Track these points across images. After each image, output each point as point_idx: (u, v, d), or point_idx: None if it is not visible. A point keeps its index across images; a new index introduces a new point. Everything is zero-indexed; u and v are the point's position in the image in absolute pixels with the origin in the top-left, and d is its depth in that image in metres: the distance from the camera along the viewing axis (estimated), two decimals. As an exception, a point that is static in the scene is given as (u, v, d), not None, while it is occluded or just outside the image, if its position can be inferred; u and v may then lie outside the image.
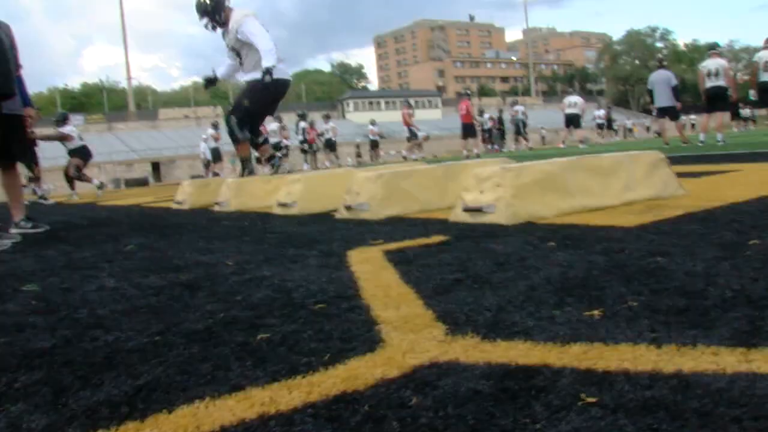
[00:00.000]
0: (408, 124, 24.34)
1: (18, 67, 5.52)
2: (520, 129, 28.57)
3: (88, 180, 14.40)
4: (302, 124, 27.16)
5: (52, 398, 1.33)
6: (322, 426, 1.09)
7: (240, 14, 7.31)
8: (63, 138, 13.55)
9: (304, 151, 27.63)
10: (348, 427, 1.08)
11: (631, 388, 1.13)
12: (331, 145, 27.68)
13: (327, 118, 28.25)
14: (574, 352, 1.33)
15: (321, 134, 27.52)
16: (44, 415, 1.25)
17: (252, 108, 7.51)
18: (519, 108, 28.71)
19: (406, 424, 1.07)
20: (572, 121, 22.34)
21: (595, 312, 1.61)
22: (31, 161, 13.67)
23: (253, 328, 1.74)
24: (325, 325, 1.71)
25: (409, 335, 1.56)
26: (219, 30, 7.52)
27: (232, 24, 7.31)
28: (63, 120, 14.03)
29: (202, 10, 7.38)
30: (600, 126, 32.84)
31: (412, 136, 24.67)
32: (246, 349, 1.56)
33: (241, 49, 7.44)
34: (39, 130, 13.05)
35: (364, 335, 1.60)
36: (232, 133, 7.60)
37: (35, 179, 14.15)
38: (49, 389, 1.39)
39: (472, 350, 1.40)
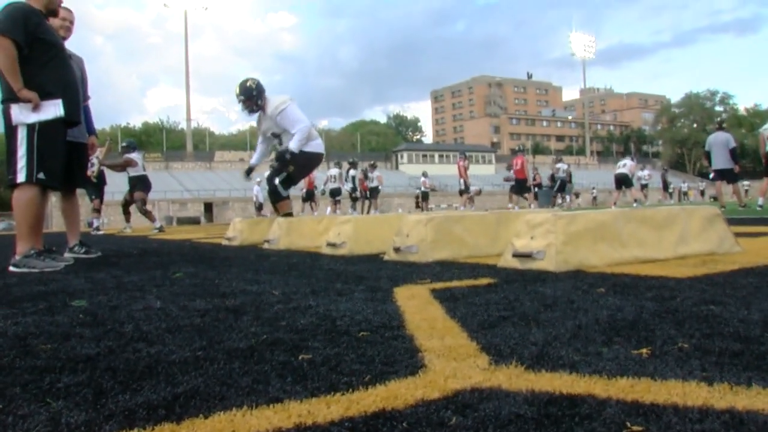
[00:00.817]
0: (462, 176, 24.35)
1: (86, 98, 5.74)
2: (559, 187, 27.54)
3: (152, 218, 14.63)
4: (352, 172, 27.48)
5: (93, 398, 1.34)
6: (359, 438, 1.08)
7: (278, 101, 7.77)
8: (127, 164, 13.90)
9: (354, 199, 27.86)
10: (385, 441, 1.06)
11: (680, 420, 1.10)
12: (374, 193, 27.72)
13: (373, 167, 28.30)
14: (620, 385, 1.30)
15: (367, 178, 27.61)
16: (83, 412, 1.25)
17: (295, 175, 8.00)
18: (561, 166, 27.70)
19: (444, 441, 1.05)
20: (622, 181, 22.58)
21: (644, 350, 1.57)
22: (95, 195, 14.10)
23: (295, 349, 1.73)
24: (367, 350, 1.70)
25: (452, 363, 1.53)
26: (253, 115, 7.99)
27: (270, 110, 7.76)
28: (132, 148, 14.41)
29: (247, 93, 7.78)
30: (644, 186, 32.25)
31: (465, 189, 24.63)
32: (287, 367, 1.55)
33: (282, 134, 7.93)
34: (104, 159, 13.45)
35: (406, 361, 1.58)
36: (275, 192, 8.06)
37: (96, 210, 14.51)
38: (90, 390, 1.40)
39: (516, 379, 1.38)
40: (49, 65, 4.62)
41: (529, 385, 1.32)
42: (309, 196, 27.93)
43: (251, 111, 7.88)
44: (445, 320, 2.09)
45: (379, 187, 27.91)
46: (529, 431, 1.07)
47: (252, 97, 7.77)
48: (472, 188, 25.96)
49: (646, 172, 32.83)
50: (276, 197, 8.11)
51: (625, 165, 22.74)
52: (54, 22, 5.03)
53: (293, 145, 7.60)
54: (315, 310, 2.38)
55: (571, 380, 1.35)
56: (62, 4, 5.05)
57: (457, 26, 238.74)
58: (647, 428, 1.06)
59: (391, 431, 1.10)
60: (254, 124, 8.29)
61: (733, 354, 1.51)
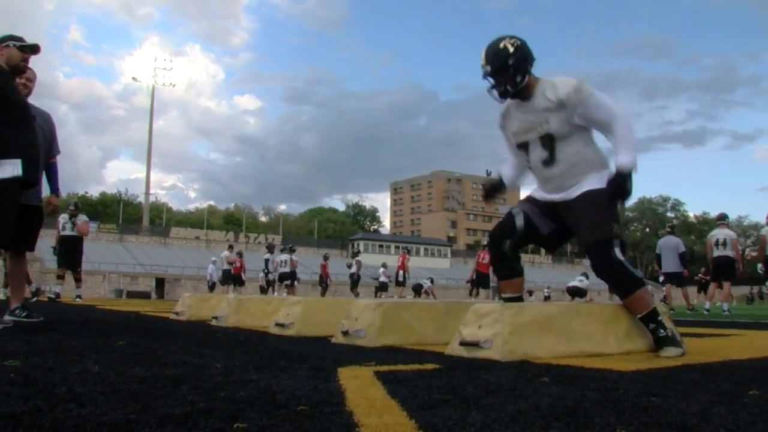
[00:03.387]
0: (403, 269, 24.77)
1: (55, 153, 5.79)
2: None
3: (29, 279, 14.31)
4: (267, 255, 26.66)
5: (13, 455, 1.30)
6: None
7: (569, 83, 3.95)
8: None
9: (266, 284, 26.93)
10: None
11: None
12: (283, 278, 25.63)
13: (292, 250, 26.53)
14: (555, 466, 1.29)
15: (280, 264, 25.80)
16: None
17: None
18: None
19: None
20: (576, 293, 24.82)
21: (582, 436, 1.57)
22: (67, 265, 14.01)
23: (231, 418, 1.70)
24: (304, 423, 1.67)
25: (389, 438, 1.51)
26: (504, 103, 4.27)
27: (563, 94, 3.91)
28: (76, 208, 14.22)
29: (499, 61, 3.97)
30: (546, 298, 32.66)
31: (402, 282, 25.04)
32: (220, 435, 1.52)
33: (558, 137, 4.03)
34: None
35: (342, 434, 1.56)
36: (628, 275, 3.93)
37: (60, 277, 14.28)
38: (10, 447, 1.36)
39: (451, 456, 1.36)
40: (11, 124, 4.62)
41: (464, 463, 1.31)
42: (236, 281, 27.13)
43: (504, 92, 4.06)
44: (386, 400, 2.07)
45: (288, 271, 25.68)
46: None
47: (506, 68, 3.95)
48: (425, 283, 26.09)
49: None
50: (630, 284, 3.92)
51: (582, 280, 25.06)
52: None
53: (629, 157, 3.82)
54: (255, 384, 2.34)
55: (506, 459, 1.34)
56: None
57: (419, 121, 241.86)
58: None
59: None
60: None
61: (669, 442, 1.52)
